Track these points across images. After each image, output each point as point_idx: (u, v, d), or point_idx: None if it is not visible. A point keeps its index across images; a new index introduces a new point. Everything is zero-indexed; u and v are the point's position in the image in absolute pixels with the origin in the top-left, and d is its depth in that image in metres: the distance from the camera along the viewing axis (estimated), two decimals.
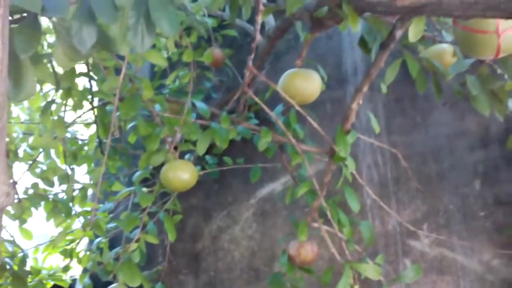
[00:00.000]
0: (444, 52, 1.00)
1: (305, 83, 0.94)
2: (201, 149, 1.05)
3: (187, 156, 1.38)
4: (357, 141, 1.34)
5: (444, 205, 1.28)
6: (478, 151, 1.30)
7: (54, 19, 0.58)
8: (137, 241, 1.07)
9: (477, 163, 1.29)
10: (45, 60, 0.85)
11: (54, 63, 0.96)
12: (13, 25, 0.56)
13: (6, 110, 0.31)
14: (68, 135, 1.31)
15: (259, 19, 0.79)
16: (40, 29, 0.55)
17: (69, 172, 1.17)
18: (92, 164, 1.44)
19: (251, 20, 1.23)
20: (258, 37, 0.81)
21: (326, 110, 1.47)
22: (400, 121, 1.38)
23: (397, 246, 1.30)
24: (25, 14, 0.57)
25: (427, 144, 1.34)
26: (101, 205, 1.43)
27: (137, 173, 1.06)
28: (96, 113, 1.11)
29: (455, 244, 1.24)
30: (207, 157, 1.41)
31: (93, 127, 1.50)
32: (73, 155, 1.16)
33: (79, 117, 1.19)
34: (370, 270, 0.93)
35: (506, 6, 0.31)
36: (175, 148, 1.05)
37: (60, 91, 1.03)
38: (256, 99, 0.94)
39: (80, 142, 1.49)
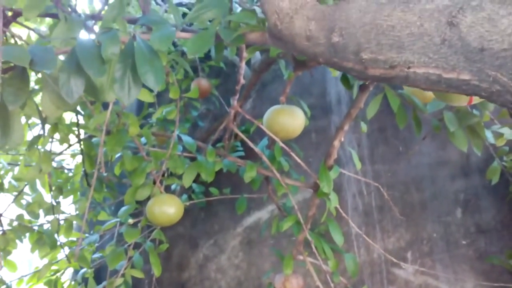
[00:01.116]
0: None
1: (289, 120, 0.96)
2: (187, 182, 1.06)
3: (173, 186, 1.39)
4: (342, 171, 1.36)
5: (428, 233, 1.31)
6: (459, 180, 1.33)
7: None
8: (123, 275, 1.07)
9: (458, 192, 1.32)
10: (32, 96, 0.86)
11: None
12: (2, 75, 0.57)
13: None
14: (54, 164, 1.31)
15: (243, 65, 0.81)
16: (29, 80, 0.57)
17: (54, 203, 1.17)
18: (78, 193, 1.44)
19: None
20: (242, 80, 0.83)
21: (311, 139, 1.49)
22: (383, 150, 1.41)
23: (382, 275, 1.31)
24: (12, 65, 0.59)
25: (409, 173, 1.37)
26: (86, 235, 1.42)
27: (123, 208, 1.07)
28: (82, 146, 1.11)
29: (438, 273, 1.26)
30: (194, 185, 1.42)
31: (79, 157, 1.51)
32: (59, 188, 1.16)
33: (66, 149, 1.20)
34: None
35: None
36: (161, 181, 1.06)
37: (47, 126, 1.03)
38: (242, 135, 0.96)
39: (66, 171, 1.49)
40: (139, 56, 0.53)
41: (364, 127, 0.96)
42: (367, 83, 0.78)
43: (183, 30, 0.61)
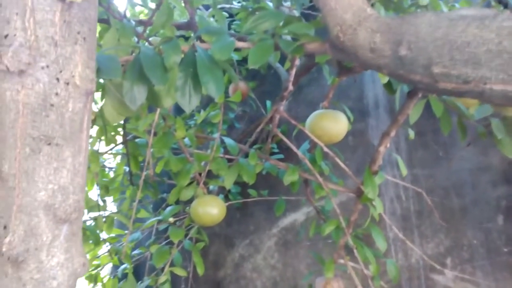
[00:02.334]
0: None
1: (332, 124, 0.97)
2: (228, 183, 1.08)
3: (211, 187, 1.41)
4: None
5: (468, 239, 1.29)
6: (501, 187, 1.30)
7: None
8: (165, 273, 1.09)
9: (500, 198, 1.30)
10: None
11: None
12: None
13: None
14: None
15: (293, 72, 0.83)
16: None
17: (101, 203, 1.21)
18: (119, 193, 1.48)
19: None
20: (291, 87, 0.84)
21: (348, 142, 1.49)
22: (422, 155, 1.40)
23: (421, 280, 1.30)
24: None
25: (449, 178, 1.35)
26: (126, 231, 1.46)
27: (168, 208, 1.09)
28: (127, 146, 1.15)
29: (479, 280, 1.24)
30: (231, 186, 1.44)
31: (120, 157, 1.55)
32: (105, 187, 1.20)
33: (111, 149, 1.24)
34: None
35: None
36: (204, 183, 1.08)
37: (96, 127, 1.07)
38: (285, 139, 0.97)
39: (107, 171, 1.54)
40: (201, 65, 0.55)
41: (411, 134, 0.96)
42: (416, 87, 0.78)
43: (240, 39, 0.63)
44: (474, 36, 0.36)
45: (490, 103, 0.38)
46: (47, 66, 0.32)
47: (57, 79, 0.33)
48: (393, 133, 0.86)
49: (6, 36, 0.31)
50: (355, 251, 0.97)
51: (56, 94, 0.33)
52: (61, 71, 0.33)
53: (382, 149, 0.89)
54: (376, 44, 0.43)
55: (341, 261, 1.02)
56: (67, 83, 0.33)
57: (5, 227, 0.33)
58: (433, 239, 1.32)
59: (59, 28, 0.32)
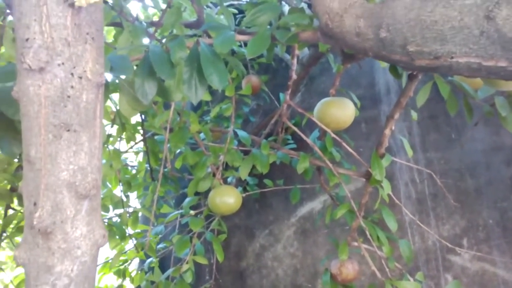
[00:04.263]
0: None
1: (339, 111, 1.00)
2: (244, 174, 1.12)
3: (229, 179, 1.46)
4: (394, 159, 1.38)
5: (483, 219, 1.30)
6: None
7: None
8: (188, 262, 1.15)
9: None
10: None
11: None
12: None
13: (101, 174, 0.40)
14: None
15: (295, 61, 0.86)
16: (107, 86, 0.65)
17: (124, 198, 1.28)
18: (142, 189, 1.55)
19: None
20: (294, 76, 0.88)
21: (361, 129, 1.52)
22: (435, 138, 1.42)
23: (438, 262, 1.32)
24: None
25: (463, 160, 1.36)
26: (151, 226, 1.53)
27: (187, 200, 1.15)
28: (147, 143, 1.21)
29: (496, 258, 1.25)
30: (248, 178, 1.49)
31: (140, 155, 1.62)
32: (128, 184, 1.26)
33: (131, 147, 1.30)
34: (411, 287, 0.97)
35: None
36: (221, 175, 1.13)
37: (115, 126, 1.13)
38: (294, 128, 1.01)
39: (129, 169, 1.60)
40: (204, 59, 0.60)
41: (414, 115, 0.99)
42: (414, 72, 0.81)
43: (240, 33, 0.67)
44: (440, 15, 0.39)
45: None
46: (63, 63, 0.38)
47: (72, 74, 0.38)
48: (396, 116, 0.89)
49: (27, 40, 0.36)
50: (367, 233, 1.00)
51: (72, 87, 0.38)
52: (74, 67, 0.38)
53: (387, 131, 0.91)
54: (360, 29, 0.47)
55: (355, 243, 1.05)
56: (80, 77, 0.38)
57: (35, 204, 0.38)
58: (448, 221, 1.33)
59: (71, 30, 0.37)
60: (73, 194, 0.39)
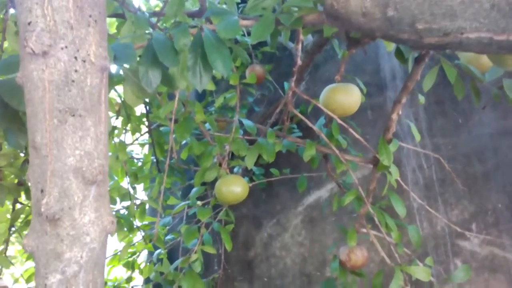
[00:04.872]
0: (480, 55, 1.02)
1: (345, 97, 0.99)
2: (250, 163, 1.12)
3: (236, 169, 1.46)
4: (401, 145, 1.38)
5: (492, 204, 1.29)
6: None
7: None
8: (196, 252, 1.15)
9: None
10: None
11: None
12: None
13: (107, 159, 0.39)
14: None
15: (299, 47, 0.85)
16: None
17: (131, 190, 1.28)
18: (148, 181, 1.55)
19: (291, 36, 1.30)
20: (299, 62, 0.87)
21: (367, 116, 1.51)
22: (442, 123, 1.41)
23: (447, 247, 1.32)
24: None
25: (470, 145, 1.35)
26: (157, 218, 1.53)
27: (194, 190, 1.15)
28: (152, 135, 1.21)
29: (505, 242, 1.25)
30: (254, 168, 1.49)
31: (147, 147, 1.62)
32: (134, 175, 1.26)
33: (137, 139, 1.30)
34: (420, 272, 0.96)
35: None
36: (227, 164, 1.13)
37: (120, 118, 1.13)
38: (300, 115, 1.00)
39: (135, 161, 1.61)
40: (208, 45, 0.59)
41: (422, 99, 0.97)
42: (423, 53, 0.80)
43: (243, 18, 0.67)
44: None
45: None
46: (66, 47, 0.37)
47: (75, 58, 0.37)
48: (403, 100, 0.88)
49: (29, 23, 0.36)
50: (376, 219, 1.00)
51: (75, 71, 0.37)
52: (78, 50, 0.37)
53: (394, 116, 0.91)
54: (367, 9, 0.46)
55: (363, 230, 1.05)
56: (84, 61, 0.38)
57: (42, 191, 0.38)
58: (457, 206, 1.33)
59: (73, 13, 0.37)
60: (80, 180, 0.38)
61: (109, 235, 0.42)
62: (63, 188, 0.38)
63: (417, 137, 0.96)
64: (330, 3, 0.49)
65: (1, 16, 1.14)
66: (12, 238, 1.49)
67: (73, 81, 0.37)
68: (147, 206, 1.58)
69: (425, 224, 1.35)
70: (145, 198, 1.57)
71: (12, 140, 0.66)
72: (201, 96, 1.70)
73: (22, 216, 1.23)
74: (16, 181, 1.15)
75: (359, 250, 1.02)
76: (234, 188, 1.06)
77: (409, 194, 1.34)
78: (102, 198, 0.40)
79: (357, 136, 0.98)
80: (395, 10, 0.43)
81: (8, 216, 1.25)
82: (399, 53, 0.98)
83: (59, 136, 0.37)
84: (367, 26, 0.47)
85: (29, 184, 0.39)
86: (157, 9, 1.78)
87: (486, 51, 0.39)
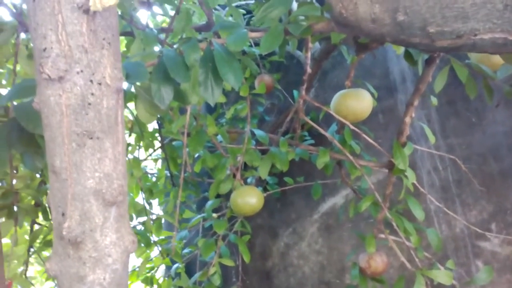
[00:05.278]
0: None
1: (356, 102, 0.99)
2: (263, 173, 1.12)
3: (249, 180, 1.45)
4: (415, 148, 1.36)
5: (511, 203, 1.27)
6: None
7: None
8: (214, 265, 1.15)
9: None
10: None
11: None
12: None
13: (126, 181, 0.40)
14: None
15: (309, 55, 0.86)
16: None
17: (147, 206, 1.28)
18: (163, 196, 1.56)
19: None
20: (309, 70, 0.87)
21: (378, 120, 1.50)
22: (455, 123, 1.39)
23: (467, 249, 1.30)
24: None
25: (485, 144, 1.33)
26: (174, 232, 1.53)
27: (209, 202, 1.15)
28: (165, 150, 1.21)
29: None
30: (268, 178, 1.48)
31: (160, 161, 1.63)
32: (149, 191, 1.27)
33: (150, 155, 1.30)
34: (442, 276, 0.95)
35: None
36: (241, 175, 1.13)
37: (134, 135, 1.14)
38: (313, 123, 1.00)
39: (149, 176, 1.61)
40: (218, 59, 0.60)
41: (434, 100, 0.97)
42: (435, 55, 0.79)
43: (252, 30, 0.67)
44: None
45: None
46: (81, 71, 0.37)
47: (91, 81, 0.38)
48: (416, 103, 0.87)
49: (44, 49, 0.36)
50: (394, 224, 0.99)
51: (92, 94, 0.38)
52: (93, 74, 0.38)
53: (407, 119, 0.90)
54: (376, 15, 0.46)
55: (382, 235, 1.04)
56: (100, 84, 0.38)
57: (63, 214, 0.38)
58: (475, 207, 1.31)
59: (87, 37, 0.37)
60: (101, 201, 0.39)
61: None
62: (84, 211, 0.38)
63: (432, 139, 0.95)
64: (339, 11, 0.49)
65: (13, 41, 1.16)
66: (31, 259, 1.50)
67: (89, 104, 0.38)
68: (162, 221, 1.59)
69: (443, 227, 1.34)
70: (160, 212, 1.58)
71: (29, 163, 0.66)
72: (212, 109, 1.71)
73: (41, 236, 1.23)
74: (33, 202, 1.16)
75: (378, 256, 1.01)
76: (250, 199, 1.05)
77: (425, 197, 1.33)
78: (122, 218, 0.40)
79: (370, 141, 0.97)
80: (405, 14, 0.43)
81: (27, 237, 1.26)
82: (408, 56, 0.97)
83: (78, 159, 0.38)
84: (377, 32, 0.47)
85: (49, 206, 0.39)
86: (164, 25, 1.80)
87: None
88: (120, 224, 0.40)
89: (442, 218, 1.34)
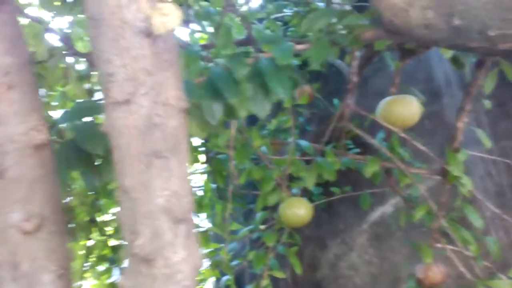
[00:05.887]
0: None
1: (403, 109, 0.97)
2: (310, 183, 1.11)
3: (294, 190, 1.45)
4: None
5: None
6: None
7: None
8: (265, 277, 1.15)
9: None
10: None
11: None
12: None
13: None
14: None
15: (355, 64, 0.85)
16: None
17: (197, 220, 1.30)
18: (210, 209, 1.57)
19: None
20: (355, 79, 0.86)
21: (424, 126, 1.46)
22: (506, 125, 1.34)
23: None
24: None
25: None
26: (223, 245, 1.54)
27: (258, 215, 1.15)
28: (212, 163, 1.23)
29: None
30: (313, 188, 1.47)
31: (206, 175, 1.65)
32: (199, 205, 1.29)
33: (196, 169, 1.33)
34: (505, 285, 0.91)
35: None
36: (287, 186, 1.13)
37: None
38: (360, 132, 0.99)
39: (195, 190, 1.64)
40: (267, 73, 0.60)
41: (488, 104, 0.94)
42: (485, 58, 0.77)
43: (297, 43, 0.67)
44: None
45: None
46: (146, 93, 0.39)
47: (156, 102, 0.39)
48: (468, 107, 0.85)
49: (110, 74, 0.38)
50: (450, 232, 0.96)
51: (157, 115, 0.39)
52: (157, 95, 0.39)
53: (460, 125, 0.87)
54: (429, 20, 0.45)
55: (438, 245, 1.01)
56: (164, 104, 0.40)
57: (134, 232, 0.40)
58: None
59: (151, 60, 0.39)
60: (170, 219, 0.40)
61: None
62: (154, 229, 0.39)
63: (487, 143, 0.91)
64: (389, 19, 0.49)
65: (62, 65, 1.22)
66: (86, 274, 1.55)
67: (155, 125, 0.39)
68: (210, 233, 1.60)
69: (501, 234, 1.28)
70: (206, 225, 1.59)
71: (89, 182, 0.69)
72: (254, 120, 1.72)
73: (95, 251, 1.28)
74: (87, 218, 1.21)
75: (436, 267, 0.98)
76: (298, 210, 1.05)
77: (480, 204, 1.28)
78: (190, 235, 0.41)
79: (421, 147, 0.95)
80: (461, 18, 0.42)
81: (83, 252, 1.31)
82: (454, 59, 0.95)
83: (146, 178, 0.39)
84: (431, 38, 0.47)
85: (121, 225, 0.41)
86: (202, 41, 1.84)
87: None
88: (189, 240, 0.41)
89: (498, 225, 1.29)
